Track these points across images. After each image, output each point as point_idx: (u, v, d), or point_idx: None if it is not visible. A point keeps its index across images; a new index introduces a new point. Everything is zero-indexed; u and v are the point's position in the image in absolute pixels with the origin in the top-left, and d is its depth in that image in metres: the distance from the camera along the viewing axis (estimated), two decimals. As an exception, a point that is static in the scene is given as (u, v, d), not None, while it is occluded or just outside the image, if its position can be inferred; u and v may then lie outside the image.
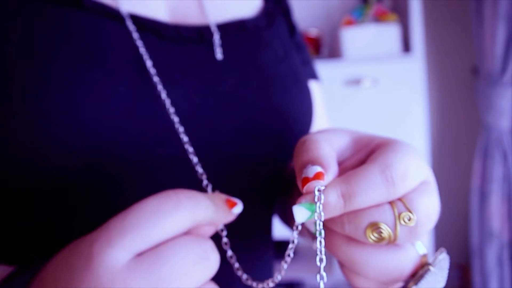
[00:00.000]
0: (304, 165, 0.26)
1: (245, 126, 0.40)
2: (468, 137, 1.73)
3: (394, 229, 0.25)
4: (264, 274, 0.45)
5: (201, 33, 0.40)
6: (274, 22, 0.47)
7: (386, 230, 0.25)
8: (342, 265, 0.29)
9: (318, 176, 0.25)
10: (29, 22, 0.32)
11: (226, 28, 0.42)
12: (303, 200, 0.25)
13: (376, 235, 0.25)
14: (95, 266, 0.22)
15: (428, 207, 0.25)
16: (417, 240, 0.27)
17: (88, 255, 0.23)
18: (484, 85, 1.46)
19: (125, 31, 0.37)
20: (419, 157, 0.26)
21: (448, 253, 1.79)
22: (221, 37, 0.41)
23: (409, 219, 0.24)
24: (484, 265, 1.50)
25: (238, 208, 0.28)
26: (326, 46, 1.76)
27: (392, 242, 0.25)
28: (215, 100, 0.39)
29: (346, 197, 0.25)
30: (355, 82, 1.45)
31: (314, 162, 0.26)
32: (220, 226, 0.31)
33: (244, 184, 0.40)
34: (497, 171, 1.47)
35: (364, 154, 0.27)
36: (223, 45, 0.41)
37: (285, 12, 0.51)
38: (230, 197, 0.28)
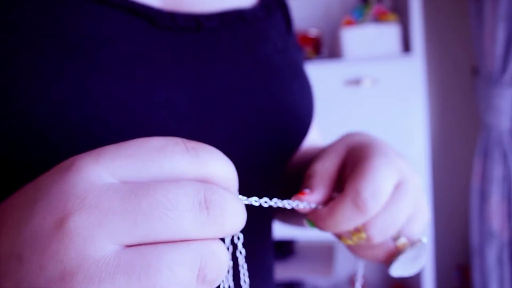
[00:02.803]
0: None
1: (245, 123, 0.37)
2: (468, 137, 1.73)
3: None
4: (264, 277, 0.44)
5: (199, 21, 0.37)
6: (271, 14, 0.44)
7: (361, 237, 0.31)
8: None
9: (301, 193, 0.32)
10: (8, 7, 0.30)
11: (224, 17, 0.39)
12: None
13: (355, 239, 0.32)
14: (72, 175, 0.19)
15: (399, 217, 0.30)
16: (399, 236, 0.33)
17: (69, 165, 0.19)
18: (484, 85, 1.46)
19: (115, 17, 0.33)
20: (390, 161, 0.31)
21: (448, 253, 1.79)
22: (219, 27, 0.39)
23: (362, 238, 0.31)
24: (484, 265, 1.50)
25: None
26: (326, 46, 1.76)
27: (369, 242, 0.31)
28: (214, 94, 0.36)
29: (329, 228, 0.31)
30: (355, 82, 1.45)
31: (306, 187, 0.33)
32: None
33: (243, 183, 0.39)
34: (497, 171, 1.47)
35: (350, 169, 0.32)
36: (221, 35, 0.38)
37: (282, 7, 0.49)
38: None
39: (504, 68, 1.40)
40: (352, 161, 0.32)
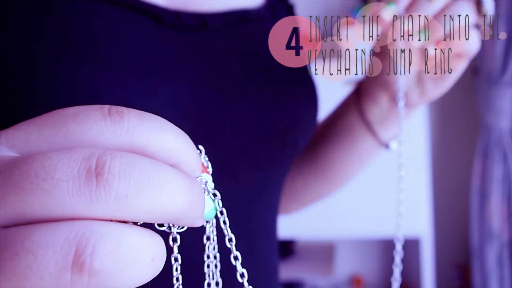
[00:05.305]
0: None
1: (249, 123, 0.38)
2: (468, 137, 1.73)
3: None
4: (268, 278, 0.43)
5: (204, 20, 0.37)
6: (277, 14, 0.45)
7: None
8: None
9: None
10: (14, 7, 0.31)
11: (229, 17, 0.40)
12: None
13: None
14: None
15: None
16: None
17: None
18: (484, 85, 1.46)
19: (120, 15, 0.34)
20: None
21: (448, 253, 1.79)
22: (224, 26, 0.39)
23: None
24: (484, 265, 1.50)
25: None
26: (326, 46, 1.76)
27: None
28: (218, 92, 0.37)
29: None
30: (355, 82, 1.45)
31: None
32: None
33: (248, 183, 0.39)
34: (497, 171, 1.47)
35: None
36: (226, 35, 0.39)
37: (289, 9, 0.49)
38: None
39: (504, 68, 1.40)
40: None
